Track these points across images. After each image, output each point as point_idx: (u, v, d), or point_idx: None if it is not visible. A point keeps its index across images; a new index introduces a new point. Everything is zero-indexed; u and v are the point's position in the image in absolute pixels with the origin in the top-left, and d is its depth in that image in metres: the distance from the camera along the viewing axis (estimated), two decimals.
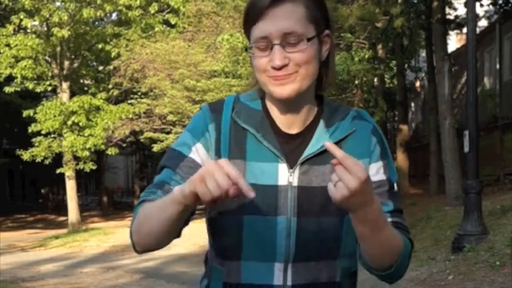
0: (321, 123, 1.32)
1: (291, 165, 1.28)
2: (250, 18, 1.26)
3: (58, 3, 21.79)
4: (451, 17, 21.65)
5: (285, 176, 1.28)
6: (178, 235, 1.29)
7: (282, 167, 1.28)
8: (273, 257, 1.27)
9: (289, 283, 1.28)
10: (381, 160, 1.33)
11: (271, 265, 1.27)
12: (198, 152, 1.30)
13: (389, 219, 1.28)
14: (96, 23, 25.84)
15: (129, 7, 21.66)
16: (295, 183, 1.27)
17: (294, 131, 1.32)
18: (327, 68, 1.35)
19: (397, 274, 1.27)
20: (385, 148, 1.34)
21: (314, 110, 1.34)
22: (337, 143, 1.28)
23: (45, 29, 22.75)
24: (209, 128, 1.32)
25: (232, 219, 1.28)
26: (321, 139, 1.29)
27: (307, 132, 1.31)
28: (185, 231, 1.34)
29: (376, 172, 1.31)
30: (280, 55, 1.22)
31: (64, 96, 23.40)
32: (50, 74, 23.31)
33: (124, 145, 25.80)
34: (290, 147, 1.30)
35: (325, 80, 1.37)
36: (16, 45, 21.71)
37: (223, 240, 1.32)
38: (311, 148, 1.29)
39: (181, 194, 1.13)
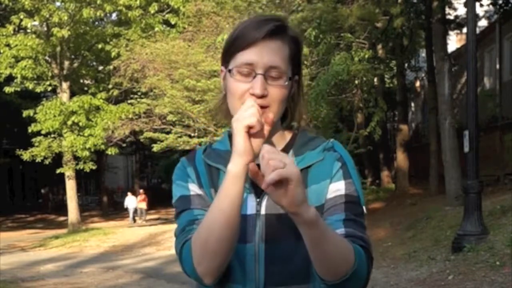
0: (290, 153, 1.37)
1: (258, 194, 1.33)
2: (238, 45, 1.30)
3: (58, 3, 21.80)
4: (451, 17, 21.66)
5: (253, 205, 1.33)
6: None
7: (250, 198, 1.33)
8: (244, 282, 1.32)
9: None
10: (343, 180, 1.34)
11: None
12: (194, 189, 1.38)
13: (342, 229, 1.28)
14: (96, 23, 25.85)
15: (129, 7, 21.67)
16: (263, 212, 1.32)
17: None
18: (295, 105, 1.41)
19: (355, 283, 1.25)
20: (349, 171, 1.36)
21: (284, 140, 1.41)
22: (303, 169, 1.32)
23: (45, 29, 22.76)
24: (188, 171, 1.40)
25: None
26: None
27: None
28: None
29: (336, 189, 1.33)
30: (262, 85, 1.27)
31: (64, 96, 23.41)
32: (50, 74, 23.32)
33: (124, 145, 25.76)
34: None
35: (291, 116, 1.42)
36: (16, 45, 21.72)
37: None
38: None
39: (237, 154, 1.20)
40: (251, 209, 1.33)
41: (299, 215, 1.13)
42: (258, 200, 1.33)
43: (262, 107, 1.27)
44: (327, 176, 1.34)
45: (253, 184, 1.30)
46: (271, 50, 1.29)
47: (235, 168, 1.20)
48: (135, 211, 26.13)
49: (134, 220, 25.81)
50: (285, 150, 1.37)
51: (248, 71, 1.28)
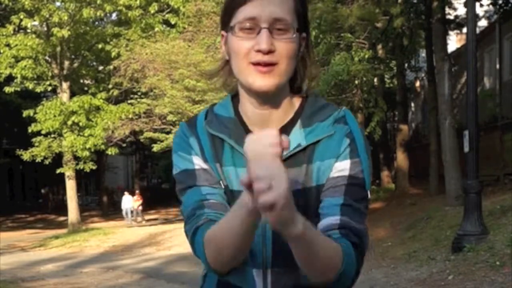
0: (298, 123, 1.28)
1: None
2: (238, 1, 1.20)
3: (58, 3, 21.81)
4: (451, 17, 21.65)
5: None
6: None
7: None
8: (253, 263, 1.28)
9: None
10: (349, 159, 1.25)
11: (250, 271, 1.28)
12: (197, 161, 1.29)
13: (337, 217, 1.22)
14: (96, 23, 25.85)
15: (129, 7, 21.67)
16: None
17: None
18: (304, 65, 1.30)
19: (342, 282, 1.20)
20: (357, 149, 1.26)
21: (292, 108, 1.30)
22: (312, 144, 1.25)
23: (45, 29, 22.76)
24: (190, 142, 1.30)
25: None
26: (295, 141, 1.25)
27: (283, 133, 1.21)
28: None
29: (341, 169, 1.25)
30: (268, 39, 1.17)
31: (64, 96, 23.41)
32: (50, 74, 23.33)
33: (124, 145, 25.78)
34: None
35: (302, 78, 1.31)
36: (16, 45, 21.72)
37: None
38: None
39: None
40: None
41: (284, 233, 1.06)
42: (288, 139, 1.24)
43: (270, 64, 1.18)
44: (333, 154, 1.25)
45: None
46: (274, 2, 1.19)
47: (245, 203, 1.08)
48: (131, 211, 25.89)
49: (135, 220, 25.73)
50: (293, 119, 1.28)
51: (251, 26, 1.18)
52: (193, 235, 1.24)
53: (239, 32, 1.20)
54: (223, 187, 1.29)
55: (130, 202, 25.86)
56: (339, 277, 1.17)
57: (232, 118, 1.30)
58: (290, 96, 1.30)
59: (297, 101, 1.32)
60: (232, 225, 1.14)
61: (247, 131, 1.28)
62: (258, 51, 1.17)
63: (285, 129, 1.27)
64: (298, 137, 1.26)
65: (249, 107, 1.28)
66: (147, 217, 27.19)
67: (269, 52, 1.17)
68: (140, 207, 26.22)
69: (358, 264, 1.22)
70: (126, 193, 27.01)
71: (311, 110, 1.29)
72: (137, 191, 27.60)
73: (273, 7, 1.18)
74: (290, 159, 1.25)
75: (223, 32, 1.27)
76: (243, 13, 1.19)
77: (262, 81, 1.19)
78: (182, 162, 1.31)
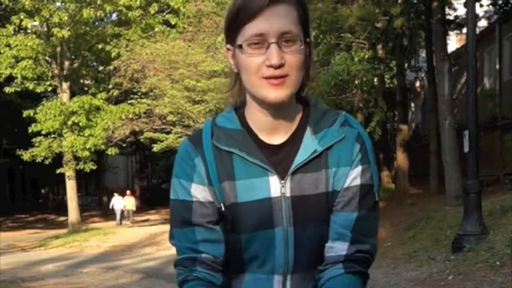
0: (308, 130, 1.30)
1: (282, 176, 1.26)
2: (242, 18, 1.22)
3: (58, 4, 21.81)
4: (451, 17, 21.65)
5: (277, 187, 1.26)
6: None
7: (273, 179, 1.26)
8: (272, 269, 1.28)
9: None
10: (361, 165, 1.28)
11: (271, 278, 1.28)
12: (198, 192, 1.29)
13: (345, 245, 1.27)
14: (96, 23, 25.85)
15: (129, 8, 21.67)
16: (288, 194, 1.26)
17: (279, 140, 1.29)
18: (308, 74, 1.33)
19: None
20: (367, 153, 1.30)
21: (298, 115, 1.32)
22: (326, 149, 1.28)
23: (45, 29, 22.77)
24: (195, 162, 1.29)
25: (231, 238, 1.29)
26: (309, 147, 1.27)
27: (294, 140, 1.29)
28: None
29: (353, 178, 1.28)
30: (278, 54, 1.19)
31: (64, 96, 23.42)
32: (50, 74, 23.33)
33: (124, 145, 25.77)
34: (278, 158, 1.28)
35: (306, 81, 1.34)
36: (16, 45, 21.73)
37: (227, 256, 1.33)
38: (301, 157, 1.27)
39: None
40: (275, 191, 1.26)
41: None
42: (282, 182, 1.26)
43: (281, 76, 1.21)
44: (348, 161, 1.28)
45: (276, 164, 1.27)
46: (278, 15, 1.20)
47: None
48: (122, 212, 25.54)
49: (121, 222, 25.23)
50: (300, 127, 1.30)
51: (259, 41, 1.20)
52: (180, 284, 1.30)
53: (247, 49, 1.21)
54: (218, 215, 1.29)
55: (120, 203, 25.54)
56: None
57: (240, 130, 1.30)
58: (296, 106, 1.33)
59: (299, 107, 1.34)
60: None
61: (257, 140, 1.29)
62: (270, 66, 1.19)
63: (296, 137, 1.29)
64: (311, 144, 1.28)
65: (259, 116, 1.29)
66: (146, 217, 27.22)
67: (280, 66, 1.20)
68: (133, 208, 25.77)
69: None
70: (115, 194, 26.54)
71: (316, 117, 1.31)
72: (128, 191, 27.04)
73: (279, 20, 1.20)
74: (308, 165, 1.27)
75: (229, 46, 1.28)
76: (250, 29, 1.21)
77: (276, 93, 1.21)
78: (180, 191, 1.31)
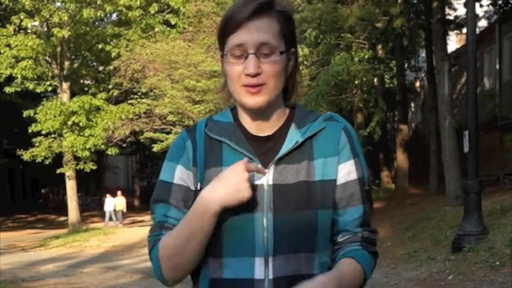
0: (293, 125, 1.40)
1: (266, 165, 1.36)
2: (228, 29, 1.34)
3: (58, 4, 21.81)
4: (451, 17, 21.66)
5: (260, 176, 1.35)
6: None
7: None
8: (253, 252, 1.34)
9: (270, 276, 1.34)
10: (352, 158, 1.39)
11: (251, 260, 1.34)
12: (181, 175, 1.41)
13: (359, 233, 1.40)
14: (96, 23, 25.86)
15: (129, 8, 21.68)
16: (270, 182, 1.35)
17: (266, 134, 1.41)
18: (292, 81, 1.44)
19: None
20: (354, 145, 1.40)
21: (284, 115, 1.43)
22: (308, 139, 1.37)
23: (45, 29, 22.77)
24: (186, 145, 1.42)
25: None
26: (292, 139, 1.38)
27: (279, 134, 1.40)
28: None
29: (348, 172, 1.39)
30: (255, 64, 1.31)
31: (64, 96, 23.42)
32: (50, 74, 23.33)
33: (124, 145, 25.78)
34: (264, 149, 1.39)
35: (291, 91, 1.46)
36: (17, 45, 21.73)
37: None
38: (285, 148, 1.37)
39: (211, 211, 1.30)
40: (258, 179, 1.35)
41: None
42: (266, 170, 1.36)
43: (258, 85, 1.32)
44: (334, 151, 1.38)
45: (261, 155, 1.37)
46: (258, 27, 1.32)
47: (215, 207, 1.29)
48: (114, 212, 25.17)
49: (111, 219, 24.97)
50: (286, 123, 1.41)
51: (240, 52, 1.32)
52: (150, 251, 1.39)
53: (230, 58, 1.34)
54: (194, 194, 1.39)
55: (112, 204, 25.22)
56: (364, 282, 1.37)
57: (231, 122, 1.42)
58: (283, 107, 1.44)
59: (286, 109, 1.45)
60: (183, 241, 1.32)
61: (245, 133, 1.41)
62: (247, 74, 1.31)
63: (281, 131, 1.41)
64: (294, 136, 1.38)
65: (247, 118, 1.41)
66: (147, 217, 27.10)
67: (257, 74, 1.31)
68: (123, 209, 25.40)
69: (374, 266, 1.41)
70: (108, 195, 26.18)
71: (301, 115, 1.43)
72: (119, 192, 26.54)
73: (259, 33, 1.32)
74: (289, 155, 1.37)
75: (220, 52, 1.40)
76: (232, 40, 1.33)
77: (253, 100, 1.34)
78: (165, 172, 1.43)
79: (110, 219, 25.11)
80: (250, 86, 1.32)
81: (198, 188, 1.37)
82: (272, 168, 1.36)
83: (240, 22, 1.31)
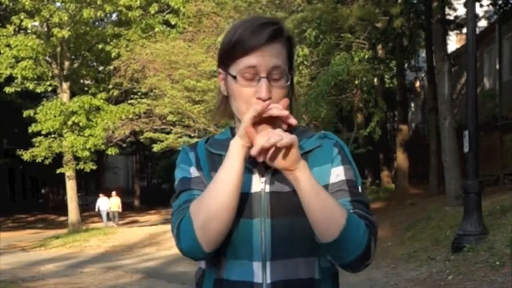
0: None
1: (262, 174, 1.41)
2: (238, 52, 1.35)
3: (58, 4, 21.81)
4: (451, 18, 21.67)
5: (257, 184, 1.40)
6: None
7: (255, 177, 1.41)
8: (252, 256, 1.38)
9: (268, 280, 1.37)
10: (342, 165, 1.43)
11: (250, 264, 1.38)
12: (194, 173, 1.45)
13: (350, 208, 1.37)
14: (96, 23, 25.86)
15: (129, 8, 21.68)
16: (267, 189, 1.40)
17: None
18: (292, 105, 1.46)
19: (347, 251, 1.31)
20: (347, 156, 1.46)
21: None
22: (304, 154, 1.41)
23: (46, 29, 22.77)
24: (190, 156, 1.48)
25: None
26: None
27: None
28: None
29: (337, 175, 1.42)
30: (267, 88, 1.33)
31: (64, 96, 23.42)
32: (50, 74, 23.34)
33: (124, 145, 25.77)
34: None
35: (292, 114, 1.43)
36: (17, 45, 21.73)
37: None
38: None
39: (238, 137, 1.32)
40: (256, 187, 1.40)
41: (297, 170, 1.29)
42: (262, 179, 1.40)
43: None
44: (327, 160, 1.43)
45: (257, 164, 1.38)
46: (272, 53, 1.35)
47: (236, 145, 1.32)
48: (107, 213, 24.97)
49: (109, 219, 24.77)
50: None
51: (251, 75, 1.34)
52: (179, 223, 1.35)
53: (240, 79, 1.35)
54: None
55: (106, 204, 25.04)
56: (344, 238, 1.29)
57: (230, 137, 1.43)
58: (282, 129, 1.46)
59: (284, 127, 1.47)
60: (218, 188, 1.31)
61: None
62: (259, 98, 1.33)
63: None
64: None
65: None
66: (147, 217, 27.19)
67: (268, 98, 1.33)
68: (118, 210, 25.14)
69: (368, 238, 1.32)
70: (101, 195, 25.91)
71: (297, 133, 1.44)
72: (113, 192, 26.13)
73: (272, 57, 1.34)
74: None
75: (221, 70, 1.43)
76: (244, 63, 1.34)
77: None
78: (181, 172, 1.47)
79: (109, 219, 25.04)
80: None
81: None
82: (269, 176, 1.40)
83: (254, 47, 1.33)
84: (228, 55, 1.38)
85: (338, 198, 1.38)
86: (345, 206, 1.37)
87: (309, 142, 1.45)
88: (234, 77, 1.36)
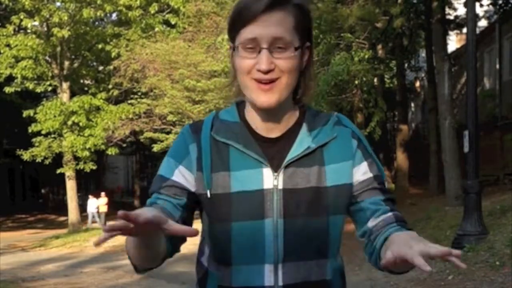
0: (304, 127, 1.36)
1: (275, 169, 1.32)
2: (241, 21, 1.27)
3: (58, 3, 21.81)
4: (451, 17, 21.66)
5: (270, 179, 1.31)
6: (169, 255, 1.34)
7: (267, 171, 1.31)
8: (263, 259, 1.31)
9: (280, 283, 1.31)
10: (365, 160, 1.38)
11: (261, 267, 1.31)
12: (182, 174, 1.35)
13: (390, 213, 1.35)
14: (96, 23, 25.85)
15: (129, 7, 21.68)
16: (280, 186, 1.31)
17: (275, 134, 1.35)
18: (305, 78, 1.38)
19: None
20: (366, 149, 1.40)
21: (294, 115, 1.38)
22: (320, 147, 1.34)
23: (45, 29, 22.76)
24: (189, 149, 1.36)
25: (220, 227, 1.32)
26: (304, 142, 1.34)
27: (289, 135, 1.35)
28: None
29: (363, 173, 1.37)
30: (267, 60, 1.25)
31: (64, 96, 23.42)
32: (50, 74, 23.33)
33: (124, 145, 25.76)
34: (273, 151, 1.34)
35: (303, 90, 1.39)
36: (16, 45, 21.73)
37: (215, 247, 1.36)
38: (295, 151, 1.33)
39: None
40: (268, 183, 1.31)
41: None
42: (275, 174, 1.31)
43: (270, 81, 1.27)
44: (347, 156, 1.36)
45: (270, 157, 1.32)
46: (273, 21, 1.26)
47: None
48: (97, 214, 24.70)
49: (94, 221, 24.52)
50: (296, 125, 1.37)
51: (252, 46, 1.26)
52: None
53: (242, 51, 1.28)
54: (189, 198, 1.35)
55: (93, 205, 24.73)
56: None
57: (238, 122, 1.36)
58: (293, 107, 1.39)
59: (297, 110, 1.40)
60: (128, 240, 1.23)
61: (253, 133, 1.35)
62: (259, 70, 1.26)
63: (291, 133, 1.36)
64: (306, 140, 1.35)
65: (256, 117, 1.36)
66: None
67: (269, 71, 1.26)
68: (104, 210, 24.80)
69: None
70: (90, 196, 25.62)
71: (311, 116, 1.39)
72: (102, 193, 25.88)
73: (273, 27, 1.26)
74: (301, 160, 1.33)
75: (230, 44, 1.35)
76: (245, 33, 1.27)
77: (264, 97, 1.28)
78: (164, 168, 1.37)
79: (93, 221, 24.61)
80: (262, 83, 1.27)
81: (208, 195, 1.32)
82: (282, 171, 1.31)
83: (254, 15, 1.25)
84: (233, 26, 1.30)
85: (370, 196, 1.35)
86: (379, 205, 1.35)
87: (324, 132, 1.36)
88: (236, 48, 1.29)
